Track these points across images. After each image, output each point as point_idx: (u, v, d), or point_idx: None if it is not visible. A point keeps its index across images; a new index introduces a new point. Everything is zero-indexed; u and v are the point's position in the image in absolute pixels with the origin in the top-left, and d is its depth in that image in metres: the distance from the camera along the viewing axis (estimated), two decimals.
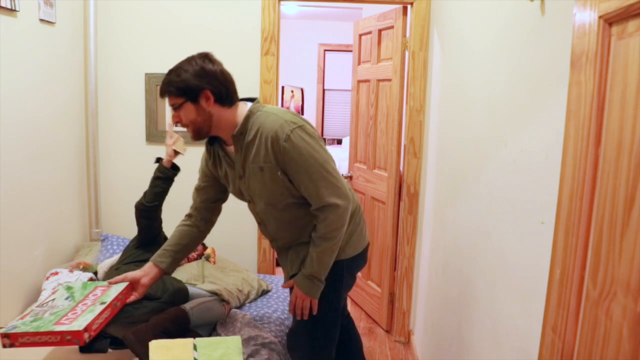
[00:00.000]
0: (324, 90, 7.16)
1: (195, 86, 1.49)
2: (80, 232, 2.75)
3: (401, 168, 2.89)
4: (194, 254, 2.55)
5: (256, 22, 2.71)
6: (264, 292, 2.50)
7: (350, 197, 1.60)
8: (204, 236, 1.89)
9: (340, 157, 5.09)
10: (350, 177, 3.39)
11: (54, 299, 1.65)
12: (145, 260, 2.21)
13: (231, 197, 2.86)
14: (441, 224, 2.26)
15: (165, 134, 2.14)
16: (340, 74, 7.08)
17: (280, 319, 2.26)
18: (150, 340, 1.72)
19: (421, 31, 2.65)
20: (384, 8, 3.06)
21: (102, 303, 1.57)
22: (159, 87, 2.76)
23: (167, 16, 2.73)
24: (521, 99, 1.30)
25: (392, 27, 2.83)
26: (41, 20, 2.28)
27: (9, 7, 2.03)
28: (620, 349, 0.75)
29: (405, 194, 2.80)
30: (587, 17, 0.86)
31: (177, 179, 2.91)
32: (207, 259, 2.57)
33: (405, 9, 2.72)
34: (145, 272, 1.75)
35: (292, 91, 7.95)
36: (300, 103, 8.04)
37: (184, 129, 1.61)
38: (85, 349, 1.88)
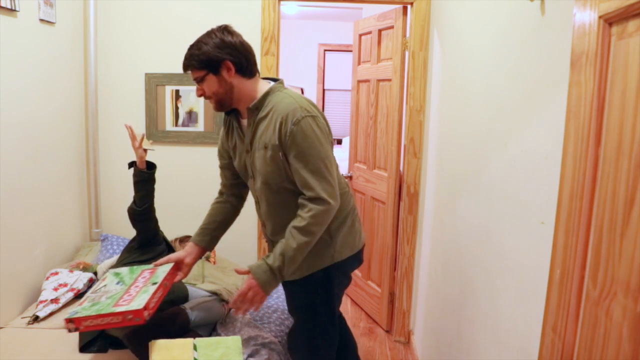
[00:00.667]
0: (324, 90, 7.15)
1: (216, 57, 1.52)
2: (80, 232, 2.75)
3: (401, 168, 2.89)
4: None
5: (256, 22, 2.71)
6: None
7: (338, 202, 1.56)
8: (238, 211, 1.93)
9: (340, 157, 5.07)
10: (350, 177, 3.39)
11: (105, 285, 1.74)
12: (145, 261, 2.22)
13: None
14: (441, 224, 2.26)
15: (131, 138, 2.09)
16: (340, 74, 7.08)
17: (280, 319, 2.25)
18: (150, 340, 1.72)
19: (421, 31, 2.65)
20: (384, 8, 3.06)
21: (154, 284, 1.64)
22: (158, 87, 2.78)
23: (167, 16, 2.73)
24: (521, 99, 1.30)
25: (392, 27, 2.83)
26: (41, 20, 2.28)
27: (9, 7, 2.03)
28: (620, 349, 0.75)
29: (405, 194, 2.80)
30: (587, 17, 0.86)
31: (173, 179, 2.92)
32: (207, 258, 2.57)
33: (405, 9, 2.72)
34: (188, 252, 1.81)
35: None
36: None
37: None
38: (85, 348, 1.88)
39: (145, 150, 2.12)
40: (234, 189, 1.89)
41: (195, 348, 1.71)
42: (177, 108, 2.80)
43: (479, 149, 1.68)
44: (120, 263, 2.22)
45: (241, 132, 1.67)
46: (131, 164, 2.16)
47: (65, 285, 2.24)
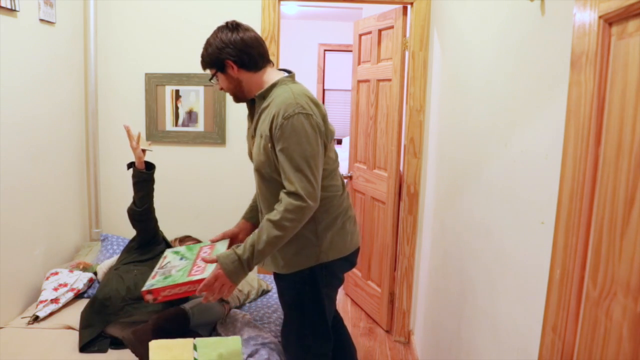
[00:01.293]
0: (324, 90, 7.15)
1: (218, 59, 1.62)
2: (80, 232, 2.75)
3: (401, 168, 2.89)
4: None
5: (256, 22, 2.70)
6: (264, 292, 2.50)
7: (316, 203, 1.54)
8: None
9: (340, 157, 5.08)
10: (350, 177, 3.39)
11: (169, 262, 1.78)
12: (145, 261, 2.22)
13: (230, 198, 2.86)
14: (441, 224, 2.26)
15: (129, 138, 2.08)
16: (340, 74, 7.07)
17: (280, 319, 2.26)
18: (150, 340, 1.72)
19: (421, 31, 2.65)
20: (384, 8, 3.06)
21: None
22: (158, 87, 2.78)
23: (167, 16, 2.73)
24: (521, 99, 1.30)
25: (392, 27, 2.83)
26: (41, 20, 2.28)
27: (9, 7, 2.03)
28: (620, 349, 0.75)
29: (405, 194, 2.80)
30: (587, 17, 0.86)
31: (173, 179, 2.92)
32: None
33: (405, 9, 2.72)
34: (240, 229, 1.90)
35: None
36: None
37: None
38: (85, 348, 1.88)
39: (143, 151, 2.12)
40: None
41: (195, 348, 1.71)
42: (177, 108, 2.80)
43: (479, 149, 1.68)
44: (120, 263, 2.22)
45: (251, 118, 1.75)
46: (130, 165, 2.15)
47: (65, 285, 2.24)
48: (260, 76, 1.65)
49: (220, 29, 1.63)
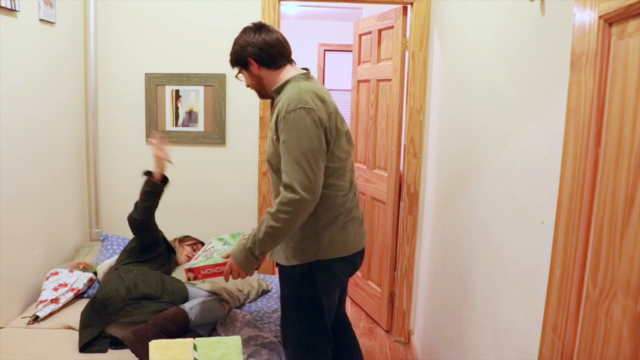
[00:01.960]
0: None
1: (241, 56, 1.75)
2: (80, 232, 2.75)
3: (401, 168, 2.89)
4: (195, 253, 2.55)
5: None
6: (264, 292, 2.50)
7: (314, 197, 1.56)
8: None
9: None
10: None
11: (212, 246, 1.93)
12: (145, 262, 2.22)
13: (230, 198, 2.86)
14: (441, 224, 2.26)
15: (156, 146, 2.07)
16: (340, 74, 7.07)
17: (280, 319, 2.26)
18: (150, 340, 1.72)
19: (421, 31, 2.65)
20: (384, 8, 3.06)
21: None
22: (158, 87, 2.78)
23: (167, 16, 2.73)
24: (521, 98, 1.30)
25: (392, 27, 2.83)
26: (41, 20, 2.28)
27: (9, 7, 2.03)
28: (620, 349, 0.75)
29: (405, 194, 2.80)
30: (587, 17, 0.86)
31: (172, 179, 2.92)
32: None
33: (405, 9, 2.72)
34: None
35: None
36: None
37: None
38: (85, 348, 1.88)
39: (162, 162, 2.15)
40: None
41: (195, 348, 1.71)
42: (177, 108, 2.80)
43: (479, 149, 1.68)
44: (120, 263, 2.22)
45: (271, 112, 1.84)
46: (147, 173, 2.16)
47: (65, 285, 2.24)
48: (278, 74, 1.75)
49: (245, 29, 1.76)
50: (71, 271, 2.36)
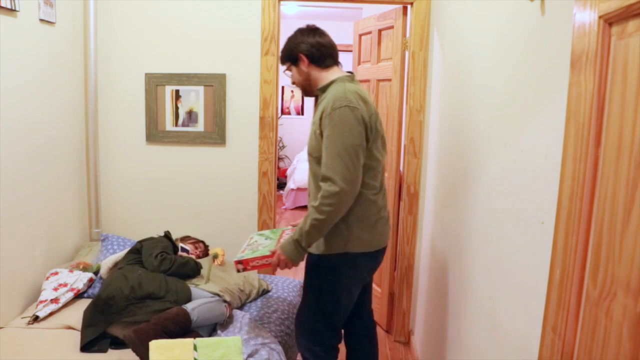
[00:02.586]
0: None
1: (293, 52, 1.88)
2: (80, 232, 2.75)
3: (401, 168, 2.89)
4: (196, 252, 2.55)
5: (256, 22, 2.70)
6: (264, 292, 2.50)
7: (353, 188, 1.69)
8: None
9: None
10: None
11: (255, 241, 2.03)
12: None
13: (230, 198, 2.86)
14: (441, 224, 2.26)
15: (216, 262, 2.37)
16: None
17: (280, 319, 2.25)
18: (151, 339, 1.72)
19: (421, 31, 2.65)
20: (384, 8, 3.06)
21: None
22: (158, 87, 2.78)
23: (167, 16, 2.73)
24: (521, 99, 1.30)
25: (392, 27, 2.83)
26: (41, 20, 2.28)
27: (9, 7, 2.03)
28: (620, 349, 0.75)
29: (405, 194, 2.80)
30: (587, 17, 0.86)
31: (173, 179, 2.92)
32: (215, 258, 2.55)
33: (405, 9, 2.72)
34: None
35: (292, 91, 7.95)
36: (301, 103, 8.04)
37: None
38: (85, 348, 1.88)
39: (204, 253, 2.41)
40: None
41: (195, 348, 1.71)
42: (177, 108, 2.80)
43: (479, 149, 1.68)
44: (124, 263, 2.23)
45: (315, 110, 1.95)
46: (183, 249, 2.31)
47: (65, 285, 2.24)
48: (326, 73, 1.87)
49: (300, 30, 1.90)
50: (71, 271, 2.36)
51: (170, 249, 2.33)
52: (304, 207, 6.24)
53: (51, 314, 2.12)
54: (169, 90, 2.78)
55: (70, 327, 2.03)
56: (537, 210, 1.16)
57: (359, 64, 3.25)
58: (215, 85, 2.75)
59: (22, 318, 2.10)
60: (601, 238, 0.82)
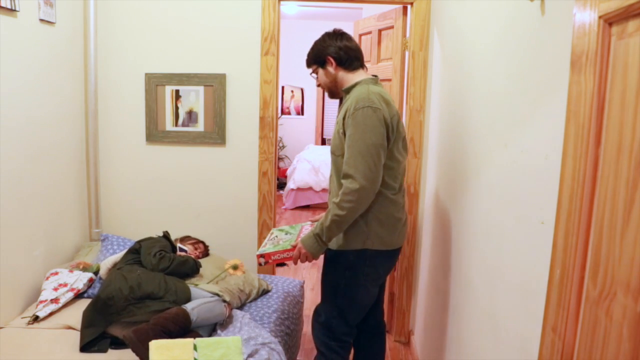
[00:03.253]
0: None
1: (321, 55, 1.95)
2: (80, 232, 2.75)
3: None
4: (196, 253, 2.55)
5: (256, 22, 2.71)
6: (264, 292, 2.50)
7: (374, 185, 1.73)
8: None
9: None
10: None
11: (275, 236, 2.10)
12: None
13: (230, 198, 2.86)
14: (441, 224, 2.26)
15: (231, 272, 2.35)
16: None
17: (280, 319, 2.26)
18: (150, 339, 1.72)
19: (421, 31, 2.65)
20: (384, 8, 3.06)
21: None
22: (158, 87, 2.78)
23: (167, 16, 2.73)
24: (521, 99, 1.30)
25: (392, 27, 2.83)
26: (41, 20, 2.28)
27: (9, 7, 2.03)
28: (620, 349, 0.75)
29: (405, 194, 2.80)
30: (587, 17, 0.86)
31: (173, 179, 2.92)
32: (235, 268, 2.46)
33: (405, 9, 2.72)
34: None
35: (292, 91, 7.96)
36: (301, 103, 8.04)
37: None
38: (85, 348, 1.88)
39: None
40: None
41: (195, 348, 1.71)
42: (177, 108, 2.80)
43: (479, 149, 1.68)
44: (123, 263, 2.23)
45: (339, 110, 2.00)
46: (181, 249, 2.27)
47: (65, 285, 2.24)
48: (351, 75, 1.93)
49: (327, 33, 1.97)
50: (71, 271, 2.36)
51: (169, 248, 2.33)
52: (304, 207, 6.24)
53: (51, 314, 2.12)
54: (169, 90, 2.78)
55: (70, 327, 2.03)
56: (537, 210, 1.16)
57: None
58: (215, 85, 2.75)
59: (22, 318, 2.10)
60: (601, 238, 0.82)
